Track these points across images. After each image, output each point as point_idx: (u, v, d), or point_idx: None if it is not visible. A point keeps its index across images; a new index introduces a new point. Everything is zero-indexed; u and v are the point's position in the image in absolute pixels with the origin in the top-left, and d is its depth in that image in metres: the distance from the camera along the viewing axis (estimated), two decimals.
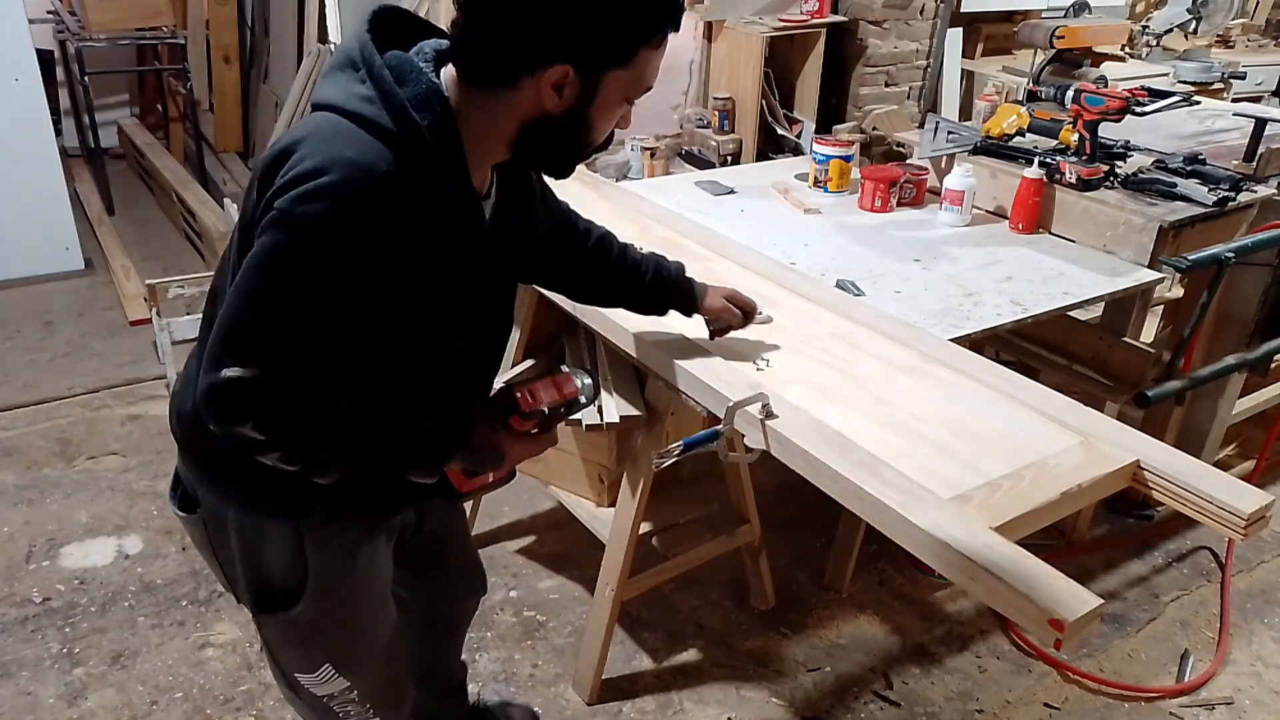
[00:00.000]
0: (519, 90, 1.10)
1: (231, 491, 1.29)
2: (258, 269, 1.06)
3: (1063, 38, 3.77)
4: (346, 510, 1.31)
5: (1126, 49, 4.54)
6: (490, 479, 1.37)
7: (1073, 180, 2.62)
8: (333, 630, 1.40)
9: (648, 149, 3.85)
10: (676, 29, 1.15)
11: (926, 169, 2.92)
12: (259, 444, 1.12)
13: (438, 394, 1.28)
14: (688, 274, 1.69)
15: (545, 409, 1.29)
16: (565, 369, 1.35)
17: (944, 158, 2.87)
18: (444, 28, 1.18)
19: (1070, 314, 2.36)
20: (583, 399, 1.33)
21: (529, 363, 2.11)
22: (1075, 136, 2.70)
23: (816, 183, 2.94)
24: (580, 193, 2.70)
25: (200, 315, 1.29)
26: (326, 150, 1.05)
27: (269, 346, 1.07)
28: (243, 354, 1.07)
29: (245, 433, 1.10)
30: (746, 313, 1.74)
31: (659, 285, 1.66)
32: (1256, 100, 4.63)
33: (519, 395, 1.28)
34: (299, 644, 1.41)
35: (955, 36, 4.34)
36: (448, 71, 1.14)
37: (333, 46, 3.28)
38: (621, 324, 1.88)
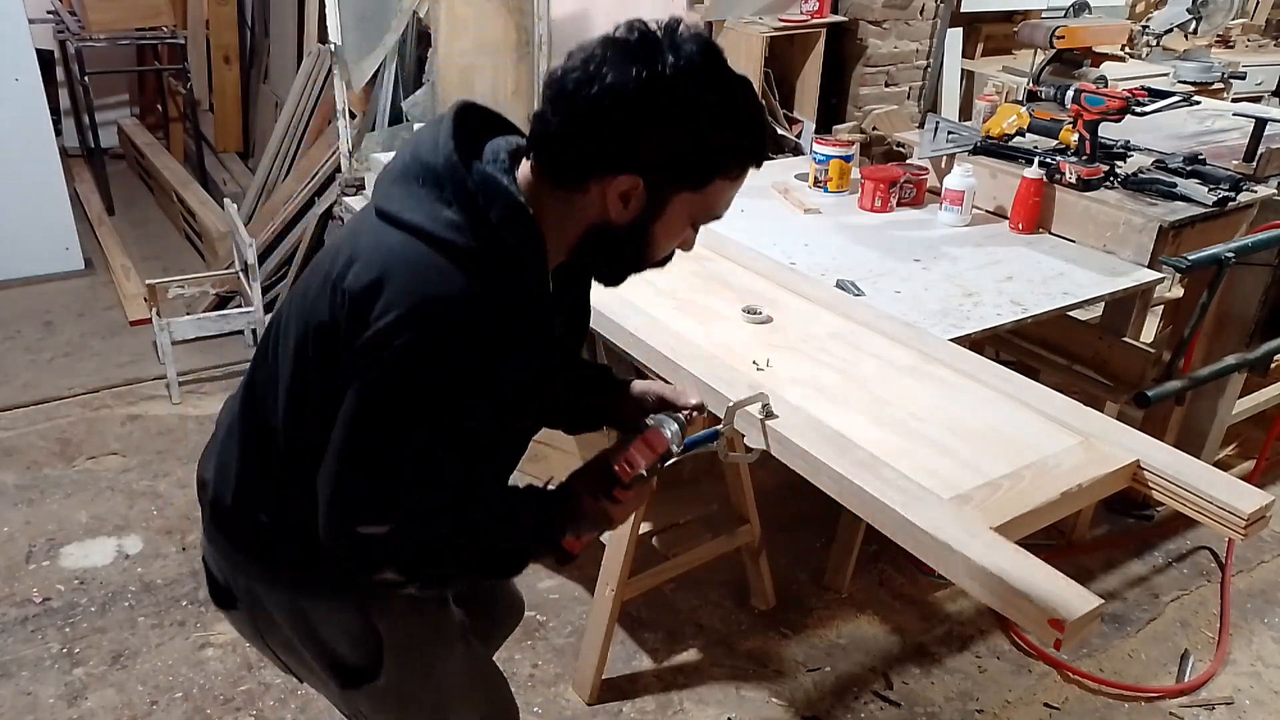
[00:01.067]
0: (587, 193, 1.08)
1: (285, 576, 1.26)
2: (372, 426, 1.06)
3: (1063, 38, 3.77)
4: None
5: (1126, 49, 4.53)
6: (597, 536, 1.36)
7: (1073, 180, 2.62)
8: (424, 687, 1.37)
9: None
10: (759, 166, 1.12)
11: (926, 169, 2.92)
12: (397, 582, 1.14)
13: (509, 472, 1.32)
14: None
15: (644, 473, 1.27)
16: (651, 421, 1.31)
17: (944, 158, 2.87)
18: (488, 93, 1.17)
19: (1070, 314, 2.36)
20: (674, 448, 1.30)
21: None
22: (1075, 136, 2.70)
23: (816, 183, 2.94)
24: None
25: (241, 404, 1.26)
26: (419, 291, 1.03)
27: (400, 499, 1.08)
28: (377, 511, 1.08)
29: (385, 576, 1.12)
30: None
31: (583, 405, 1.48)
32: (1256, 100, 4.63)
33: (617, 469, 1.25)
34: (394, 709, 1.37)
35: (955, 36, 4.33)
36: (522, 170, 1.12)
37: (333, 46, 3.28)
38: (622, 324, 1.88)
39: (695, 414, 1.37)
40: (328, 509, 1.10)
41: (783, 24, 3.91)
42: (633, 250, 1.16)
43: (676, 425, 1.31)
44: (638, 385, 1.42)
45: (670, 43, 1.04)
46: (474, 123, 1.15)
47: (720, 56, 1.07)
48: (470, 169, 1.08)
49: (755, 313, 1.97)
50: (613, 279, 1.23)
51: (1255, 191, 2.65)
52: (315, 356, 1.12)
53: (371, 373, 1.05)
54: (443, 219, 1.06)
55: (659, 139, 1.04)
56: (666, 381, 1.74)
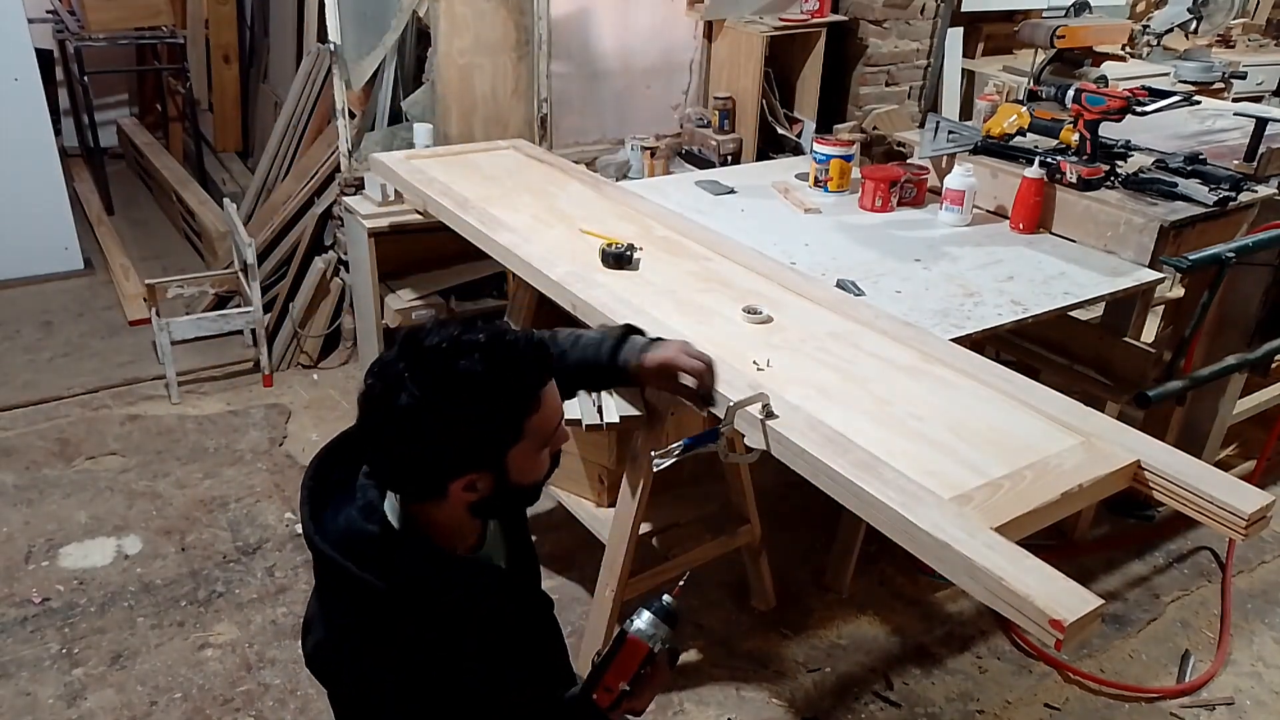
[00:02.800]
0: (449, 497, 1.15)
1: None
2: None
3: (1063, 37, 3.77)
4: None
5: (1127, 48, 4.53)
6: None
7: (1073, 180, 2.61)
8: None
9: (648, 148, 3.85)
10: (547, 381, 1.17)
11: (927, 169, 2.92)
12: None
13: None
14: (622, 354, 1.57)
15: (627, 688, 1.27)
16: (627, 628, 1.29)
17: (944, 157, 2.87)
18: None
19: (1071, 314, 2.36)
20: (655, 647, 1.27)
21: None
22: (1076, 136, 2.70)
23: (817, 182, 2.94)
24: (581, 192, 2.70)
25: None
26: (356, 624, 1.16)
27: None
28: None
29: None
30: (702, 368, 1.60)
31: (591, 377, 1.61)
32: (1257, 100, 4.62)
33: (596, 698, 1.28)
34: None
35: (956, 36, 4.33)
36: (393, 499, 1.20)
37: (332, 46, 3.28)
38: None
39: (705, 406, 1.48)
40: None
41: (783, 23, 3.91)
42: (515, 497, 1.22)
43: (649, 614, 1.28)
44: (650, 364, 1.53)
45: (406, 369, 1.09)
46: (336, 465, 1.24)
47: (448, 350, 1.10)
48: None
49: (755, 312, 1.97)
50: (525, 506, 1.31)
51: (1256, 191, 2.64)
52: None
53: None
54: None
55: (458, 446, 1.11)
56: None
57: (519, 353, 1.13)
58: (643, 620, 1.27)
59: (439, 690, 1.16)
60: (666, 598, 1.29)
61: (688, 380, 1.59)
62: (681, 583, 1.32)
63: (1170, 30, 4.51)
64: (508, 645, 1.27)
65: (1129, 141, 2.77)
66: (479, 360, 1.09)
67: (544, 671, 1.43)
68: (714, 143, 3.96)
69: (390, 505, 1.19)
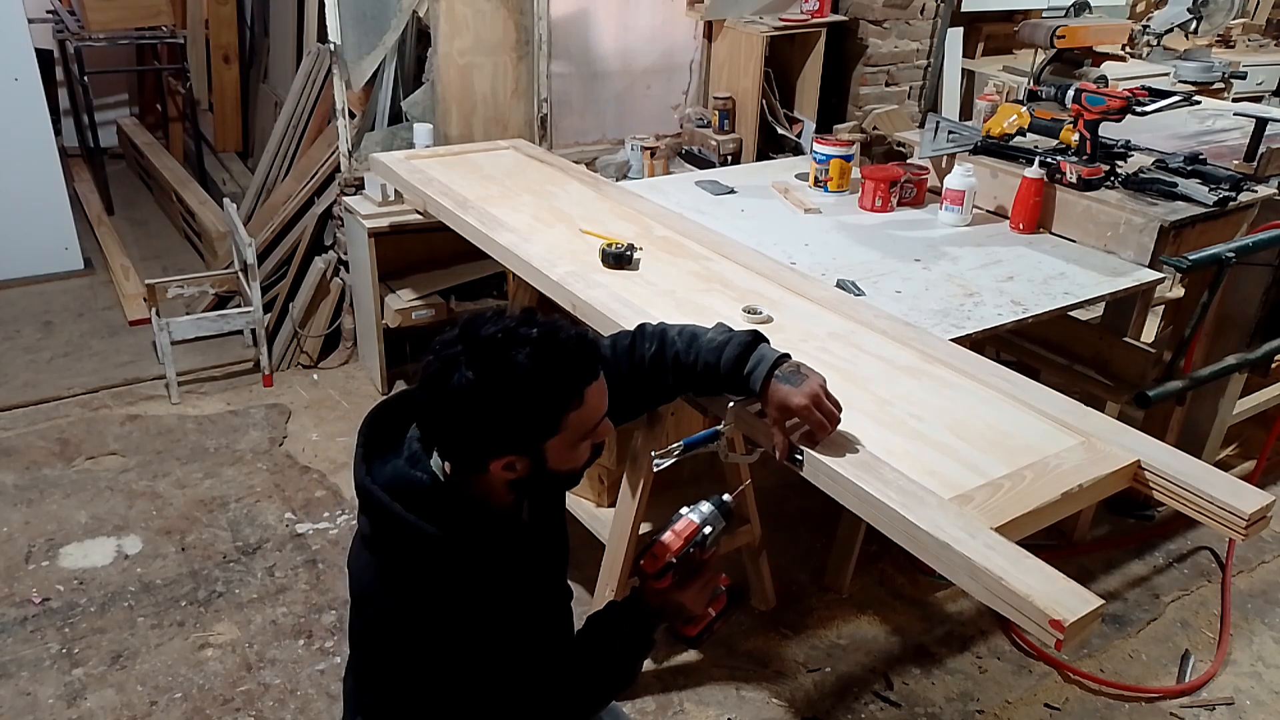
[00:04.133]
0: (489, 472, 1.22)
1: None
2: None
3: (1063, 37, 3.77)
4: None
5: (1127, 48, 4.53)
6: (711, 615, 1.40)
7: (1073, 180, 2.61)
8: None
9: (648, 148, 3.85)
10: (592, 379, 1.22)
11: (927, 169, 2.92)
12: None
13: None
14: (749, 369, 1.51)
15: (674, 560, 1.32)
16: (683, 511, 1.36)
17: (944, 157, 2.87)
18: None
19: (1071, 314, 2.36)
20: (707, 529, 1.33)
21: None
22: (1076, 136, 2.70)
23: (817, 182, 2.94)
24: (580, 192, 2.70)
25: None
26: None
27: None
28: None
29: None
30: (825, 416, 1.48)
31: (703, 381, 1.57)
32: (1257, 100, 4.63)
33: (643, 563, 1.34)
34: None
35: (956, 36, 4.33)
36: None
37: (332, 46, 3.28)
38: (622, 325, 1.87)
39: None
40: None
41: (783, 23, 3.91)
42: (553, 482, 1.29)
43: (709, 505, 1.35)
44: (778, 399, 1.48)
45: (468, 351, 1.17)
46: (386, 423, 1.33)
47: (512, 338, 1.18)
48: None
49: (756, 312, 1.97)
50: (563, 490, 1.39)
51: (1256, 191, 2.64)
52: None
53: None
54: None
55: (502, 429, 1.18)
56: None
57: (566, 352, 1.20)
58: (701, 505, 1.35)
59: (479, 633, 1.22)
60: (726, 496, 1.38)
61: (803, 436, 1.49)
62: (742, 488, 1.37)
63: (1170, 30, 4.51)
64: (538, 599, 1.35)
65: (1129, 141, 2.77)
66: (528, 355, 1.16)
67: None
68: (714, 143, 3.96)
69: (436, 461, 1.26)
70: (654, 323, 1.62)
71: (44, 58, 4.52)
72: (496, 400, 1.16)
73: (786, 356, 1.51)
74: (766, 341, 1.55)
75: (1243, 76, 4.34)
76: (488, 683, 1.24)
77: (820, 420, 1.46)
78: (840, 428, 1.52)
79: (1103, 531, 2.88)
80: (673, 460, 1.48)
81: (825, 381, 1.49)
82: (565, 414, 1.20)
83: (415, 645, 1.23)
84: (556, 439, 1.21)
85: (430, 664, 1.24)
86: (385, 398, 1.36)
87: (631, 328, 1.84)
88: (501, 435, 1.19)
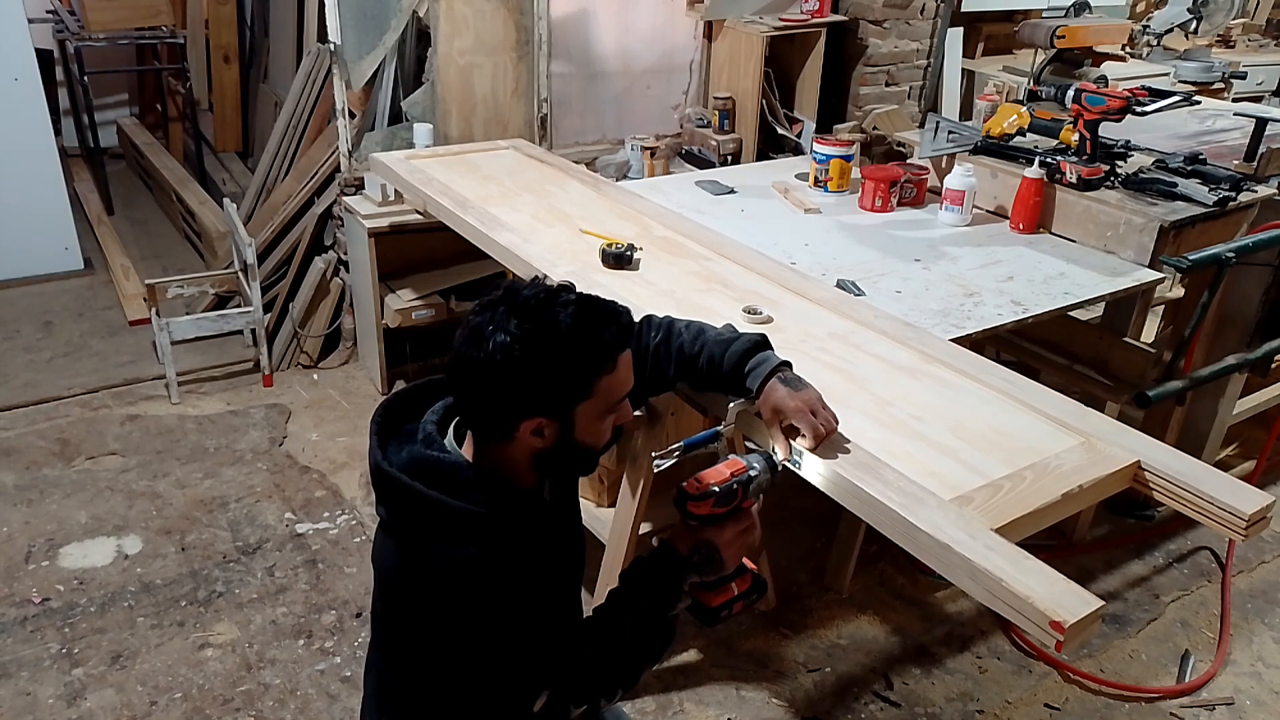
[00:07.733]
0: (516, 439, 1.24)
1: None
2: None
3: (1063, 37, 3.77)
4: None
5: (1127, 49, 4.53)
6: (735, 592, 1.38)
7: (1073, 180, 2.61)
8: None
9: (648, 148, 3.85)
10: (625, 348, 1.26)
11: (927, 169, 2.92)
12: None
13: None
14: (749, 368, 1.53)
15: (716, 488, 1.31)
16: (733, 456, 1.37)
17: (944, 157, 2.87)
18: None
19: (1071, 314, 2.36)
20: (753, 471, 1.33)
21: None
22: (1076, 136, 2.70)
23: (817, 182, 2.94)
24: (580, 192, 2.70)
25: None
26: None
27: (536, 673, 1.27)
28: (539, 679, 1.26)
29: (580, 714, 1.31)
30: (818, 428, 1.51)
31: (704, 377, 1.60)
32: (1257, 100, 4.63)
33: (685, 484, 1.34)
34: None
35: (956, 36, 4.33)
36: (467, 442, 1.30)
37: (332, 46, 3.28)
38: None
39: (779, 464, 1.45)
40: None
41: (783, 23, 3.91)
42: (577, 456, 1.30)
43: (763, 458, 1.35)
44: (772, 401, 1.50)
45: (510, 309, 1.20)
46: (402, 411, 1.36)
47: (552, 299, 1.22)
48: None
49: (755, 312, 1.97)
50: (581, 473, 1.40)
51: (1256, 191, 2.64)
52: None
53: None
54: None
55: (535, 386, 1.20)
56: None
57: (605, 316, 1.24)
58: (758, 455, 1.36)
59: (506, 607, 1.22)
60: (780, 454, 1.40)
61: (802, 440, 1.51)
62: (794, 450, 1.46)
63: (1170, 30, 4.52)
64: (559, 579, 1.37)
65: (1129, 141, 2.77)
66: (570, 314, 1.20)
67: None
68: (714, 143, 3.96)
69: (451, 442, 1.29)
70: (661, 315, 1.65)
71: (44, 58, 4.52)
72: (536, 356, 1.18)
73: (788, 364, 1.55)
74: (773, 349, 1.58)
75: (1243, 76, 4.33)
76: (518, 655, 1.24)
77: (814, 424, 1.48)
78: (840, 429, 1.52)
79: (1103, 532, 2.88)
80: (673, 461, 1.48)
81: (821, 396, 1.52)
82: (599, 377, 1.23)
83: (443, 622, 1.23)
84: (587, 404, 1.24)
85: (458, 639, 1.23)
86: (398, 390, 1.38)
87: None
88: (536, 394, 1.21)
